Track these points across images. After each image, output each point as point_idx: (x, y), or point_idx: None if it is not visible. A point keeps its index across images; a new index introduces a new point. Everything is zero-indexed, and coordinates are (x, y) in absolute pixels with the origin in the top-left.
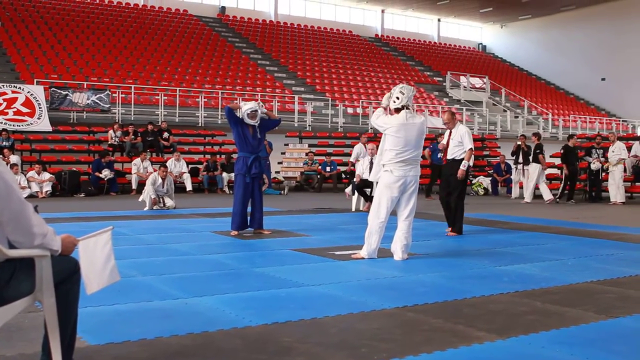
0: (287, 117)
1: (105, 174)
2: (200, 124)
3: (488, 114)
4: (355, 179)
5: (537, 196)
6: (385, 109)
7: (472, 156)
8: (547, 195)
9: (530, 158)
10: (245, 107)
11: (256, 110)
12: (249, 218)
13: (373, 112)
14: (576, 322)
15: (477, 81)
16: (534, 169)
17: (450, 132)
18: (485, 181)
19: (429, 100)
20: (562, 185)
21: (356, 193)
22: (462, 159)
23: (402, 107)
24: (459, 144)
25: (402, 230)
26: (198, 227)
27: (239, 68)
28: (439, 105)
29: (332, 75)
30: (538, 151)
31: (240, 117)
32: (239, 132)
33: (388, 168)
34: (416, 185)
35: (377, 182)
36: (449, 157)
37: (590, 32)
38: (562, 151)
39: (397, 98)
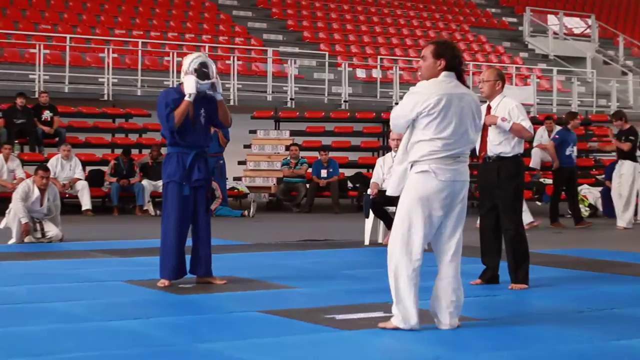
0: (255, 85)
1: None
2: (106, 97)
3: (595, 79)
4: (370, 191)
5: None
6: None
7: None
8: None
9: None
10: (187, 61)
11: (206, 64)
12: (189, 258)
13: (400, 79)
14: None
15: (576, 23)
16: (627, 169)
17: (489, 108)
18: (592, 193)
19: (495, 56)
20: None
21: (371, 214)
22: (515, 156)
23: (447, 68)
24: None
25: (447, 278)
26: (102, 274)
27: (171, 1)
28: (510, 65)
29: (331, 15)
30: (632, 137)
31: (179, 82)
32: (165, 106)
33: (425, 168)
34: (466, 198)
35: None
36: (490, 152)
37: None
38: None
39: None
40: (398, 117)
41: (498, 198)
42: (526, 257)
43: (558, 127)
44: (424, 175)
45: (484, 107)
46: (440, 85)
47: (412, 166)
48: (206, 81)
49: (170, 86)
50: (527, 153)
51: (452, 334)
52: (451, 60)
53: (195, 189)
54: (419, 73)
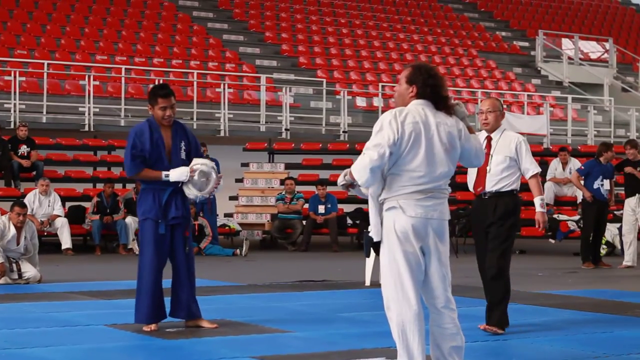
0: (247, 115)
1: None
2: (87, 127)
3: (613, 108)
4: (371, 228)
5: None
6: None
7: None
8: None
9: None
10: (199, 160)
11: (209, 178)
12: (168, 300)
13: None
14: None
15: (593, 47)
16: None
17: (489, 140)
18: (610, 230)
19: (505, 83)
20: None
21: (372, 253)
22: (512, 191)
23: (418, 95)
24: (507, 162)
25: (443, 325)
26: (83, 317)
27: (157, 25)
28: (522, 92)
29: (329, 39)
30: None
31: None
32: (132, 149)
33: (393, 204)
34: (447, 237)
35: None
36: (488, 187)
37: None
38: None
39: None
40: (370, 166)
41: (496, 234)
42: (503, 300)
43: (573, 159)
44: (393, 212)
45: (481, 136)
46: (411, 113)
47: (383, 204)
48: (196, 192)
49: None
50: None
51: None
52: (423, 87)
53: (173, 227)
54: (392, 99)
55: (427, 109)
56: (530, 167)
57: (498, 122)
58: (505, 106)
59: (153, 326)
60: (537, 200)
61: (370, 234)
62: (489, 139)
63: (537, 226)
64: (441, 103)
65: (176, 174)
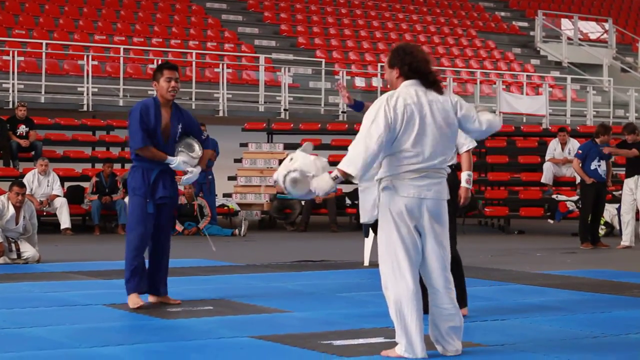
0: (246, 95)
1: None
2: (85, 107)
3: (613, 88)
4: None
5: None
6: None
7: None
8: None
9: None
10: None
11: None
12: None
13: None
14: None
15: (592, 27)
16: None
17: None
18: (609, 211)
19: (504, 63)
20: None
21: (371, 233)
22: (450, 167)
23: (412, 75)
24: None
25: (442, 305)
26: (82, 297)
27: (155, 5)
28: (521, 73)
29: (328, 19)
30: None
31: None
32: (140, 124)
33: (387, 184)
34: (446, 218)
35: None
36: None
37: None
38: None
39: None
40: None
41: None
42: (462, 280)
43: (572, 140)
44: (387, 192)
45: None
46: (405, 93)
47: (379, 183)
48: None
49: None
50: (538, 167)
51: None
52: (402, 67)
53: (160, 207)
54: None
55: (417, 88)
56: (465, 142)
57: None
58: (504, 86)
59: (137, 300)
60: (464, 175)
61: (362, 219)
62: None
63: (459, 200)
64: (427, 80)
65: (177, 164)
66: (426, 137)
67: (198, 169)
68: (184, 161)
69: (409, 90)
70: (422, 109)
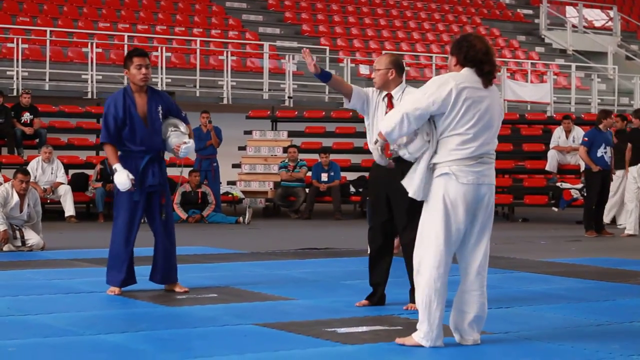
0: (250, 83)
1: None
2: (90, 95)
3: (617, 76)
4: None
5: None
6: None
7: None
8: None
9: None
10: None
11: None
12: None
13: (407, 76)
14: None
15: (597, 15)
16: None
17: (390, 98)
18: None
19: (509, 51)
20: None
21: None
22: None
23: (467, 63)
24: None
25: (473, 292)
26: (86, 284)
27: None
28: (525, 60)
29: (332, 7)
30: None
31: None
32: (108, 119)
33: (445, 170)
34: (493, 203)
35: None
36: (392, 153)
37: None
38: None
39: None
40: (415, 102)
41: (404, 206)
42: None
43: (577, 128)
44: (444, 178)
45: (381, 98)
46: (465, 78)
47: (434, 168)
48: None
49: (158, 85)
50: (543, 155)
51: (474, 353)
52: (459, 56)
53: (149, 195)
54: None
55: (474, 76)
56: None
57: (389, 80)
58: (508, 74)
59: (117, 290)
60: (377, 142)
61: (410, 194)
62: (389, 97)
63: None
64: (482, 70)
65: (119, 178)
66: (482, 122)
67: (192, 141)
68: (185, 142)
69: (467, 77)
70: (480, 95)
